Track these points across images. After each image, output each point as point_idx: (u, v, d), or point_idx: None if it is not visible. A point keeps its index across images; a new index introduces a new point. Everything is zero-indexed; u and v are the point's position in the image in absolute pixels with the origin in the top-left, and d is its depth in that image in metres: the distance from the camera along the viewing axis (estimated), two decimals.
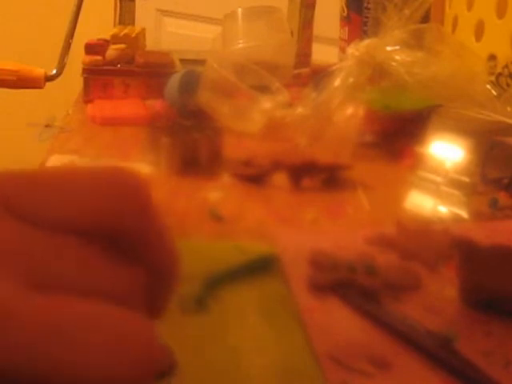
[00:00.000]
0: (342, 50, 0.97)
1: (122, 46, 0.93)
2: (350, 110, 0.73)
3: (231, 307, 0.42)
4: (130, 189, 0.22)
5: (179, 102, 0.81)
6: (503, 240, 0.52)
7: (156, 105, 0.86)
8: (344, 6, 0.98)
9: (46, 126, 0.79)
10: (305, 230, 0.54)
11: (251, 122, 0.76)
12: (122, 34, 0.95)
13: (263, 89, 0.79)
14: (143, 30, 0.98)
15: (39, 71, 0.93)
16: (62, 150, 0.72)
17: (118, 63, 0.92)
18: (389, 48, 0.73)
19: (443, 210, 0.59)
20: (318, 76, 0.78)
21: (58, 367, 0.19)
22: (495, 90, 0.74)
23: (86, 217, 0.21)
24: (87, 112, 0.85)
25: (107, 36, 0.95)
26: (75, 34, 1.00)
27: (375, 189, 0.64)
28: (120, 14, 1.15)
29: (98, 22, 1.34)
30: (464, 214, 0.57)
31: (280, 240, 0.50)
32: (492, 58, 0.80)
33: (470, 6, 0.86)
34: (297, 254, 0.48)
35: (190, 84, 0.81)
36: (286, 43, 0.98)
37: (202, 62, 0.83)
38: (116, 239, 0.22)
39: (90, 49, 0.92)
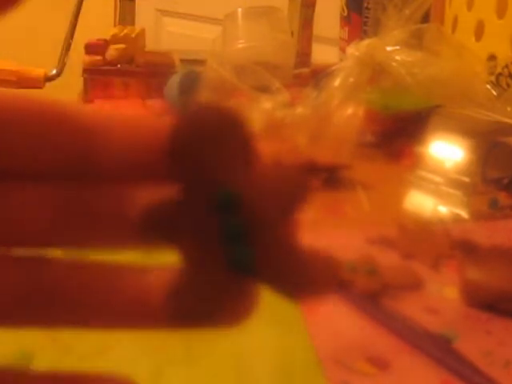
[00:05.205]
0: (342, 50, 0.97)
1: (122, 45, 0.93)
2: (350, 110, 0.73)
3: None
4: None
5: (179, 102, 0.81)
6: (503, 240, 0.52)
7: (156, 105, 0.86)
8: (344, 5, 0.98)
9: None
10: (305, 230, 0.54)
11: (251, 122, 0.76)
12: (122, 34, 0.95)
13: (263, 89, 0.79)
14: (143, 30, 0.98)
15: (39, 71, 0.93)
16: None
17: (118, 63, 0.92)
18: (389, 48, 0.73)
19: (443, 209, 0.59)
20: (318, 76, 0.78)
21: None
22: (495, 90, 0.74)
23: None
24: None
25: (107, 36, 0.95)
26: (75, 34, 1.00)
27: (375, 189, 0.64)
28: (120, 14, 1.15)
29: (98, 22, 1.34)
30: (464, 213, 0.57)
31: None
32: (492, 58, 0.80)
33: (470, 6, 0.86)
34: None
35: (190, 84, 0.81)
36: (286, 43, 0.98)
37: (201, 62, 0.83)
38: None
39: (90, 49, 0.92)
